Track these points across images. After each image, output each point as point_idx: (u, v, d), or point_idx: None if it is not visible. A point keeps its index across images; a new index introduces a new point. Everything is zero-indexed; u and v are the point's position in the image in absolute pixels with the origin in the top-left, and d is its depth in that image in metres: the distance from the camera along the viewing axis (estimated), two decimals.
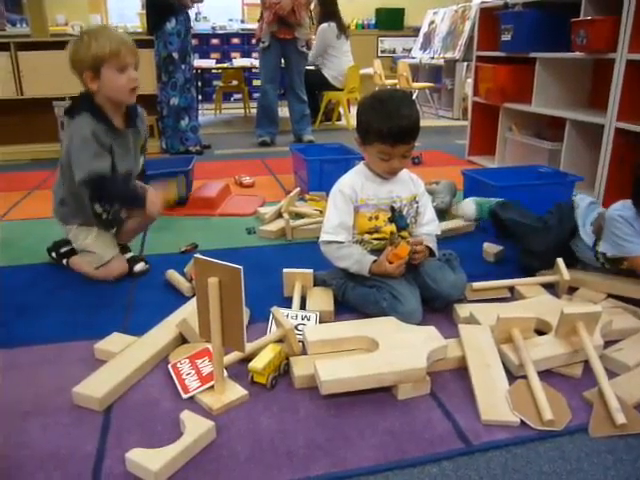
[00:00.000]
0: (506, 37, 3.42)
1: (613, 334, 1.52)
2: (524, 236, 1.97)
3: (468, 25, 6.35)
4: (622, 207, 1.72)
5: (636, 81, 2.60)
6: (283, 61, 4.72)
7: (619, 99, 2.63)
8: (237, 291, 1.14)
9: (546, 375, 1.36)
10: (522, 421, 1.20)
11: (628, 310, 1.64)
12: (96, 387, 1.28)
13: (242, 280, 1.13)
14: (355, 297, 1.66)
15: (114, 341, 1.49)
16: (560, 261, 1.80)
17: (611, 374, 1.34)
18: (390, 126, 1.55)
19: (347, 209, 1.66)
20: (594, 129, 2.84)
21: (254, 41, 5.20)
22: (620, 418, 1.17)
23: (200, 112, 6.50)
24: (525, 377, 1.31)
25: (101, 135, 1.80)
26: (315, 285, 1.77)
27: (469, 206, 2.27)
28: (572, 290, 1.79)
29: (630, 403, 1.24)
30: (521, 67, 3.40)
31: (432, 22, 7.53)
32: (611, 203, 2.53)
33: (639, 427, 1.18)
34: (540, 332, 1.49)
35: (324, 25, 5.49)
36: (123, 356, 1.41)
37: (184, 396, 1.28)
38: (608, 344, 1.45)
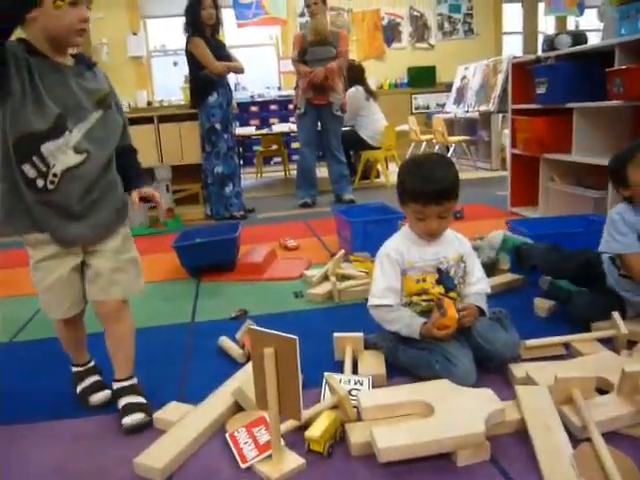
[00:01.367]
0: (541, 90, 3.45)
1: None
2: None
3: (500, 78, 6.43)
4: (620, 206, 1.82)
5: None
6: (320, 124, 4.86)
7: None
8: (292, 360, 1.16)
9: (611, 437, 1.31)
10: None
11: None
12: (157, 457, 1.30)
13: (297, 350, 1.15)
14: (407, 360, 1.65)
15: (172, 410, 1.52)
16: (616, 315, 1.76)
17: None
18: (421, 187, 1.60)
19: (394, 272, 1.68)
20: None
21: (292, 107, 5.40)
22: None
23: (242, 176, 6.71)
24: (589, 440, 1.26)
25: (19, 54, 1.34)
26: (366, 348, 1.77)
27: (497, 236, 2.35)
28: (631, 344, 1.74)
29: None
30: (558, 118, 3.41)
31: (464, 77, 7.66)
32: None
33: None
34: (601, 391, 1.45)
35: (352, 90, 5.69)
36: (181, 425, 1.43)
37: (242, 466, 1.29)
38: None
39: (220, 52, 4.35)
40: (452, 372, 1.51)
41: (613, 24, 3.09)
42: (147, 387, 1.71)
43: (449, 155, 6.96)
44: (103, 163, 1.47)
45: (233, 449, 1.34)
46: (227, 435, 1.39)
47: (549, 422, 1.33)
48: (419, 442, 1.23)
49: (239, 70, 4.55)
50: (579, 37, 3.47)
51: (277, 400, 1.22)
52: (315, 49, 4.62)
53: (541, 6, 7.36)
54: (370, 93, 5.82)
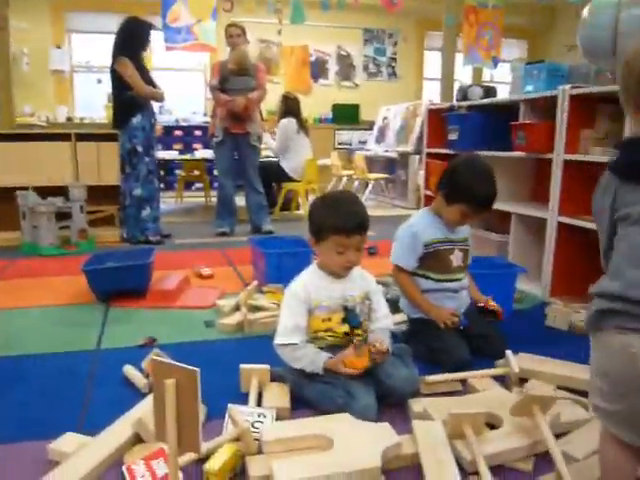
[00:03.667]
0: (453, 136, 3.66)
1: (562, 427, 1.57)
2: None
3: (419, 121, 6.73)
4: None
5: (573, 179, 2.79)
6: (237, 154, 4.88)
7: (559, 195, 2.82)
8: (193, 393, 1.16)
9: (499, 470, 1.38)
10: None
11: (577, 401, 1.68)
12: None
13: (198, 382, 1.15)
14: (311, 393, 1.67)
15: (68, 441, 1.46)
16: (509, 353, 1.88)
17: None
18: (345, 219, 1.66)
19: (301, 311, 1.71)
20: (538, 222, 3.01)
21: (199, 133, 5.36)
22: None
23: (162, 200, 6.59)
24: (477, 473, 1.33)
25: None
26: (272, 380, 1.78)
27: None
28: (523, 381, 1.85)
29: None
30: None
31: (386, 117, 7.97)
32: (558, 293, 2.67)
33: None
34: (492, 426, 1.53)
35: (284, 120, 5.77)
36: (76, 457, 1.38)
37: None
38: (557, 437, 1.50)
39: (145, 76, 4.32)
40: (353, 407, 1.54)
41: (519, 81, 3.34)
42: (43, 417, 1.64)
43: (368, 191, 7.17)
44: None
45: None
46: (124, 468, 1.35)
47: (441, 455, 1.39)
48: (315, 476, 1.25)
49: (160, 98, 4.53)
50: (490, 90, 3.72)
51: (176, 432, 1.20)
52: (236, 79, 4.66)
53: (460, 56, 7.81)
54: (302, 126, 5.90)
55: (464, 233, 2.20)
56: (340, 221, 1.67)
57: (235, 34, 4.72)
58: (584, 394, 1.69)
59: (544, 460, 1.40)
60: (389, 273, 2.67)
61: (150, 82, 4.37)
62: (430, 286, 2.11)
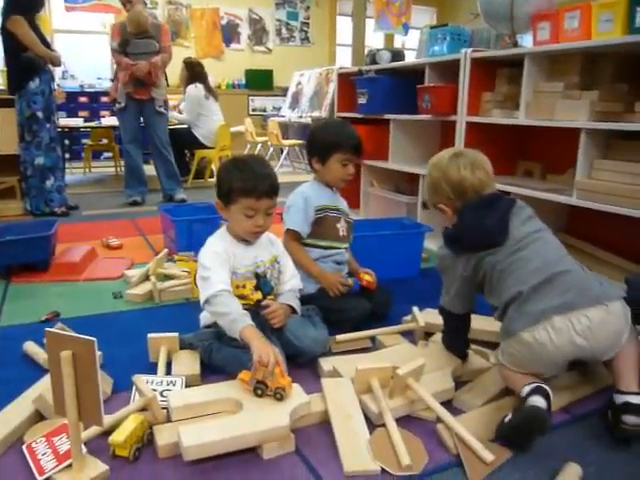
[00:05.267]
0: (362, 100, 3.68)
1: (465, 375, 1.65)
2: None
3: (332, 87, 6.72)
4: None
5: (476, 140, 2.88)
6: (143, 121, 4.70)
7: None
8: (92, 364, 1.12)
9: (405, 420, 1.44)
10: (383, 469, 1.25)
11: (478, 352, 1.77)
12: None
13: (96, 352, 1.11)
14: (221, 358, 1.65)
15: None
16: (415, 309, 1.94)
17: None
18: (254, 181, 1.63)
19: (226, 269, 1.66)
20: None
21: (106, 99, 5.11)
22: (488, 456, 1.26)
23: (68, 171, 6.27)
24: (384, 425, 1.37)
25: None
26: (181, 348, 1.76)
27: None
28: (429, 335, 1.92)
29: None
30: (378, 127, 3.65)
31: (299, 83, 7.90)
32: None
33: (505, 455, 1.29)
34: None
35: (191, 87, 5.60)
36: None
37: (39, 478, 1.21)
38: (461, 384, 1.59)
39: (41, 39, 4.03)
40: None
41: (425, 45, 3.39)
42: None
43: (283, 157, 7.13)
44: None
45: (30, 461, 1.26)
46: (24, 447, 1.30)
47: (349, 411, 1.42)
48: (225, 438, 1.26)
49: (57, 62, 4.22)
50: (398, 54, 3.76)
51: (76, 405, 1.16)
52: (137, 41, 4.43)
53: (371, 22, 7.82)
54: (210, 91, 5.75)
55: (347, 208, 2.24)
56: (250, 183, 1.63)
57: None
58: (486, 344, 1.80)
59: (448, 407, 1.47)
60: None
61: (47, 46, 4.09)
62: (319, 254, 2.12)
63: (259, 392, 1.41)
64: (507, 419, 1.34)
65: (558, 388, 1.58)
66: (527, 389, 1.34)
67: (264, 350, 1.44)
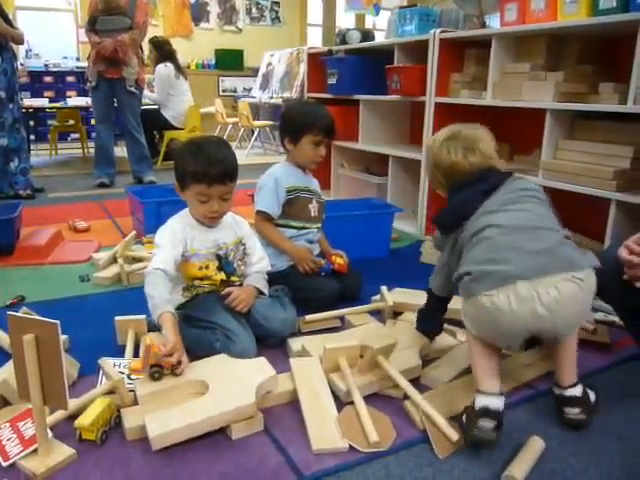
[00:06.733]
0: (332, 80, 3.66)
1: (433, 353, 1.68)
2: None
3: (303, 67, 6.66)
4: None
5: (445, 120, 2.88)
6: (115, 101, 4.62)
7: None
8: (55, 347, 1.11)
9: (373, 398, 1.46)
10: (351, 446, 1.27)
11: (446, 330, 1.78)
12: None
13: (59, 335, 1.10)
14: (188, 340, 1.62)
15: None
16: (384, 289, 1.96)
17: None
18: (206, 167, 1.57)
19: (177, 248, 1.63)
20: (415, 164, 3.11)
21: (71, 79, 4.95)
22: (453, 434, 1.28)
23: (33, 153, 6.12)
24: (353, 403, 1.39)
25: None
26: (149, 331, 1.74)
27: None
28: (397, 314, 1.94)
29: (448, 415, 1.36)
30: (348, 108, 3.64)
31: (270, 63, 7.81)
32: (431, 232, 2.80)
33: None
34: None
35: (160, 66, 5.49)
36: None
37: (4, 464, 1.20)
38: (429, 362, 1.61)
39: (1, 14, 3.89)
40: (231, 349, 1.55)
41: (394, 25, 3.37)
42: None
43: (254, 139, 7.07)
44: None
45: None
46: None
47: (317, 389, 1.44)
48: (191, 423, 1.25)
49: (19, 40, 4.08)
50: (367, 34, 3.74)
51: (40, 389, 1.15)
52: (105, 18, 4.31)
53: (342, 2, 7.75)
54: (180, 71, 5.64)
55: (319, 189, 2.25)
56: (201, 169, 1.57)
57: None
58: (453, 322, 1.82)
59: (416, 384, 1.49)
60: None
61: (9, 24, 3.95)
62: (291, 235, 2.12)
63: (157, 375, 1.40)
64: (462, 418, 1.31)
65: (522, 365, 1.62)
66: (479, 403, 1.27)
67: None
